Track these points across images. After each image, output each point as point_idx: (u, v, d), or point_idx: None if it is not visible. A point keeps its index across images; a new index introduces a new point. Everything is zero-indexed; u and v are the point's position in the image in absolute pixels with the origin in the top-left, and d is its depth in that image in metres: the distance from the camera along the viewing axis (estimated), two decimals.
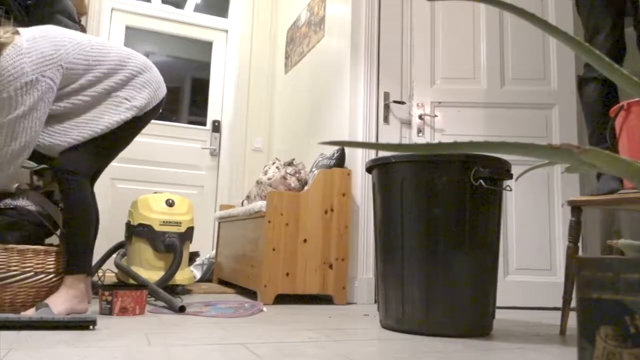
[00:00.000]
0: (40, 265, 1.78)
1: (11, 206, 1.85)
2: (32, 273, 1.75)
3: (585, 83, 2.04)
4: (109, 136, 1.86)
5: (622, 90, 2.00)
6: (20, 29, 1.73)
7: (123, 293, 1.86)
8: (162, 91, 2.01)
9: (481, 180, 1.70)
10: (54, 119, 1.80)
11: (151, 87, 1.93)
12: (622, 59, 2.05)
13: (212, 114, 4.30)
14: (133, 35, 4.21)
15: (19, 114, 1.67)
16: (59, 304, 1.70)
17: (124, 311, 1.85)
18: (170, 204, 2.63)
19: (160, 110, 2.07)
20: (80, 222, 1.79)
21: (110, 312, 1.85)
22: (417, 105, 2.79)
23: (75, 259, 1.78)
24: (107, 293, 1.86)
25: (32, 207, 1.90)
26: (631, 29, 2.15)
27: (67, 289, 1.75)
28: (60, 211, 1.93)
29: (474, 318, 1.70)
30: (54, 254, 1.82)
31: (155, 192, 2.72)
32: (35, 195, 1.95)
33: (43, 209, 1.93)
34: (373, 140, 2.84)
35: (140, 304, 1.89)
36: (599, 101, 2.00)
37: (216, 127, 4.25)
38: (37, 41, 1.71)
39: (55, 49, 1.73)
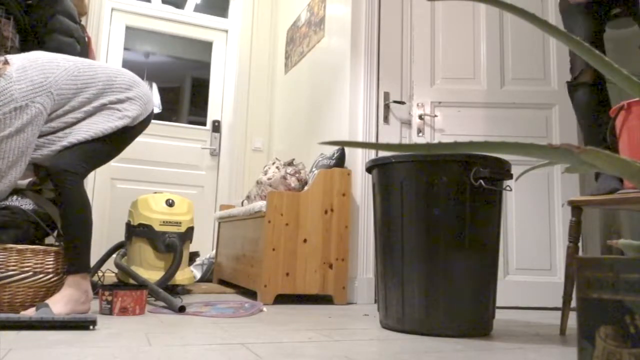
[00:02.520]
0: (39, 265, 1.78)
1: (2, 206, 1.85)
2: (30, 273, 1.75)
3: (575, 89, 2.04)
4: (103, 141, 1.89)
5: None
6: (10, 58, 1.78)
7: (123, 293, 1.86)
8: (151, 105, 2.07)
9: (481, 180, 1.70)
10: (49, 133, 1.84)
11: (141, 101, 2.00)
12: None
13: (212, 114, 4.30)
14: (133, 35, 4.21)
15: (5, 134, 1.71)
16: (61, 305, 1.69)
17: (124, 311, 1.85)
18: (170, 204, 2.63)
19: (149, 124, 2.13)
20: (80, 221, 1.79)
21: (110, 312, 1.85)
22: (417, 105, 2.79)
23: (76, 258, 1.77)
24: (107, 293, 1.86)
25: (27, 207, 1.90)
26: (629, 29, 2.14)
27: (70, 290, 1.74)
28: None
29: (474, 318, 1.70)
30: (53, 253, 1.82)
31: (155, 192, 2.72)
32: (32, 194, 1.94)
33: (40, 208, 1.92)
34: (373, 140, 2.84)
35: (140, 304, 1.89)
36: (590, 105, 1.99)
37: (216, 127, 4.25)
38: (27, 70, 1.77)
39: (44, 77, 1.78)
